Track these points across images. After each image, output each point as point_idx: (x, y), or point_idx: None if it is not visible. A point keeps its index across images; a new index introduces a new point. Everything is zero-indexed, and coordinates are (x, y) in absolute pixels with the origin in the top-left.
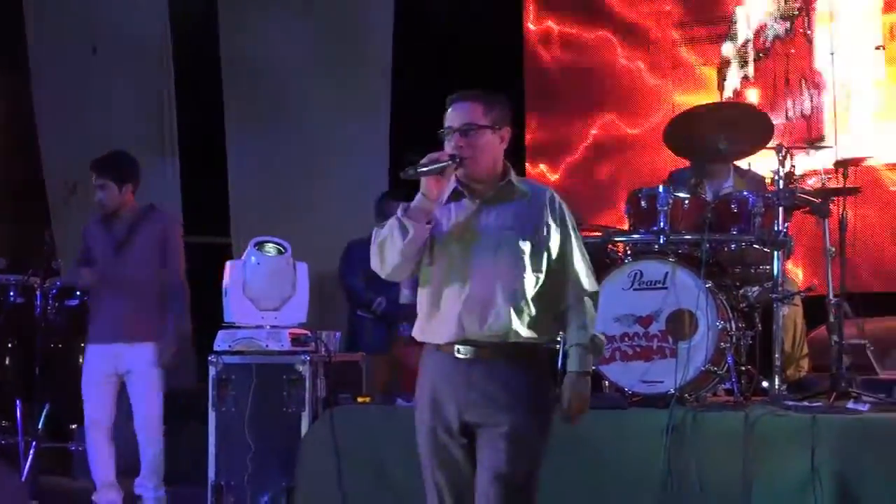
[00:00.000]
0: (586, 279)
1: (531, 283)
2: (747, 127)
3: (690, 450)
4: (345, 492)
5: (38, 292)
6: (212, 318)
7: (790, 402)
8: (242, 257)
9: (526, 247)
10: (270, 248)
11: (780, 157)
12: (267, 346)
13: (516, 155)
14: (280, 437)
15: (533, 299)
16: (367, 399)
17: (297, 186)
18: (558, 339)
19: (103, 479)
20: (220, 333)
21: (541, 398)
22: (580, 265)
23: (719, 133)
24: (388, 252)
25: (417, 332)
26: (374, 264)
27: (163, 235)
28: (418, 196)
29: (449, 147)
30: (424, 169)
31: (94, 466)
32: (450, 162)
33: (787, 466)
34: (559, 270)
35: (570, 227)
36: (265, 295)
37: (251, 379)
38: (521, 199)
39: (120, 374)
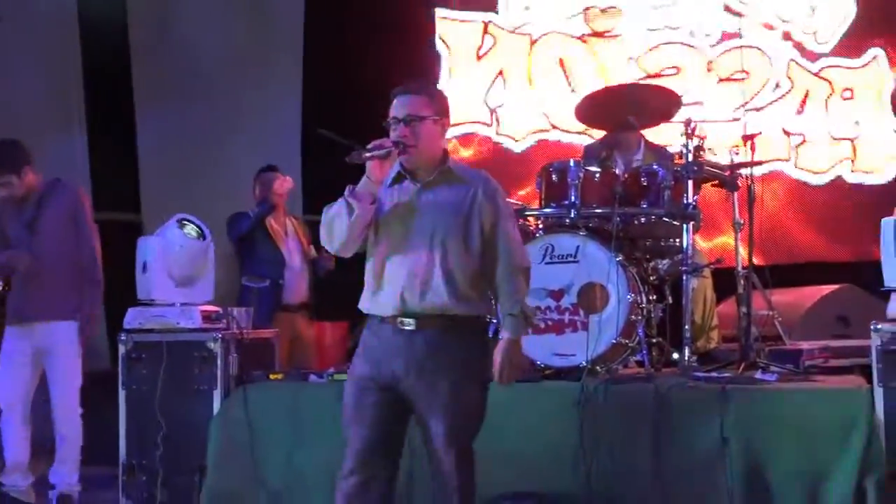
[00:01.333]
0: (518, 255)
1: (466, 258)
2: (656, 103)
3: (602, 422)
4: (259, 469)
5: None
6: (122, 297)
7: (700, 374)
8: (157, 233)
9: (461, 225)
10: (192, 231)
11: (689, 131)
12: (178, 323)
13: None
14: (192, 416)
15: (468, 274)
16: (279, 376)
17: (207, 163)
18: (491, 311)
19: (13, 461)
20: (130, 311)
21: (477, 365)
22: (512, 243)
23: (629, 108)
24: (335, 229)
25: (364, 305)
26: (324, 239)
27: (72, 208)
28: (363, 179)
29: (393, 136)
30: (369, 154)
31: (7, 448)
32: (393, 148)
33: (697, 437)
34: (493, 247)
35: (502, 207)
36: (184, 274)
37: (162, 357)
38: (458, 183)
39: (39, 355)
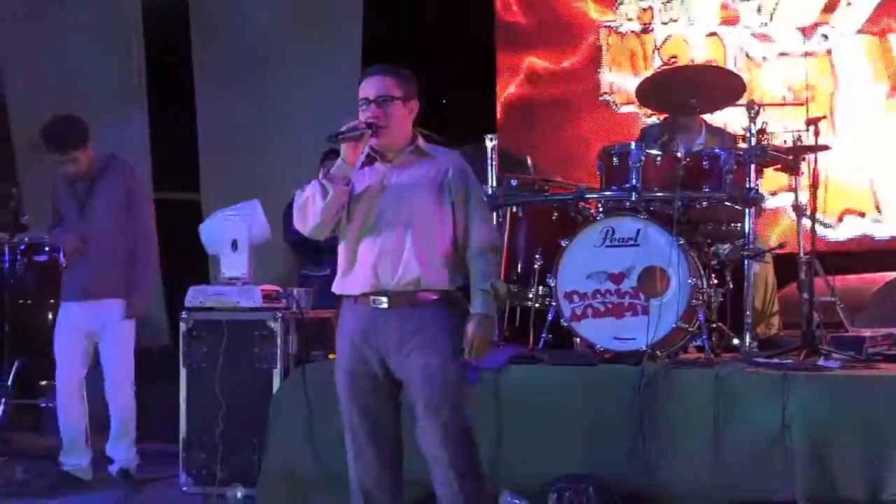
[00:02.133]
0: (487, 233)
1: (437, 236)
2: (719, 86)
3: (661, 407)
4: (316, 448)
5: (6, 248)
6: (182, 275)
7: (760, 360)
8: (240, 213)
9: (431, 203)
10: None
11: (752, 115)
12: (238, 302)
13: (488, 112)
14: (251, 394)
15: (440, 251)
16: None
17: (266, 142)
18: (463, 286)
19: (71, 439)
20: (191, 290)
21: (452, 341)
22: (482, 220)
23: (691, 90)
24: (309, 212)
25: (336, 287)
26: (297, 223)
27: (127, 185)
28: (338, 161)
29: (364, 116)
30: (344, 135)
31: (63, 426)
32: (367, 129)
33: (757, 423)
34: (463, 225)
35: (472, 185)
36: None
37: (222, 335)
38: (428, 162)
39: (91, 332)
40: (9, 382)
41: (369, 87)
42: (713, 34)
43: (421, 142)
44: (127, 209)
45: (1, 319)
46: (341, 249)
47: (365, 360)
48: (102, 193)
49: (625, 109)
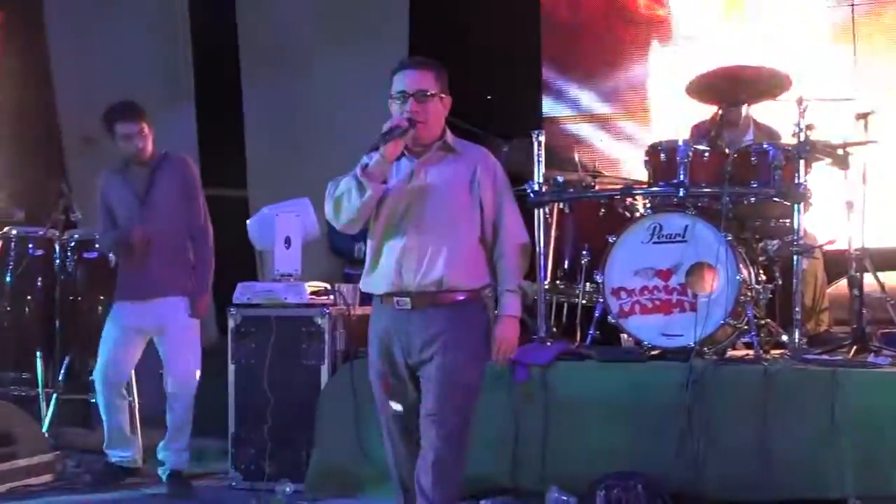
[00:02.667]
0: (517, 231)
1: (465, 234)
2: (767, 82)
3: (710, 403)
4: (363, 444)
5: (56, 245)
6: (229, 271)
7: (810, 356)
8: (293, 210)
9: (459, 200)
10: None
11: (801, 110)
12: (286, 298)
13: (534, 108)
14: (299, 390)
15: (466, 250)
16: None
17: (313, 137)
18: (490, 286)
19: (117, 433)
20: (239, 286)
21: (476, 344)
22: (512, 217)
23: (740, 87)
24: (344, 208)
25: (362, 285)
26: (329, 216)
27: (184, 181)
28: (376, 157)
29: (404, 112)
30: (392, 135)
31: (107, 422)
32: (410, 127)
33: (806, 420)
34: (492, 222)
35: (501, 182)
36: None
37: (270, 332)
38: (456, 158)
39: (148, 332)
40: (59, 378)
41: (407, 81)
42: None
43: (449, 137)
44: (185, 205)
45: (52, 315)
46: (369, 246)
47: (392, 361)
48: (162, 186)
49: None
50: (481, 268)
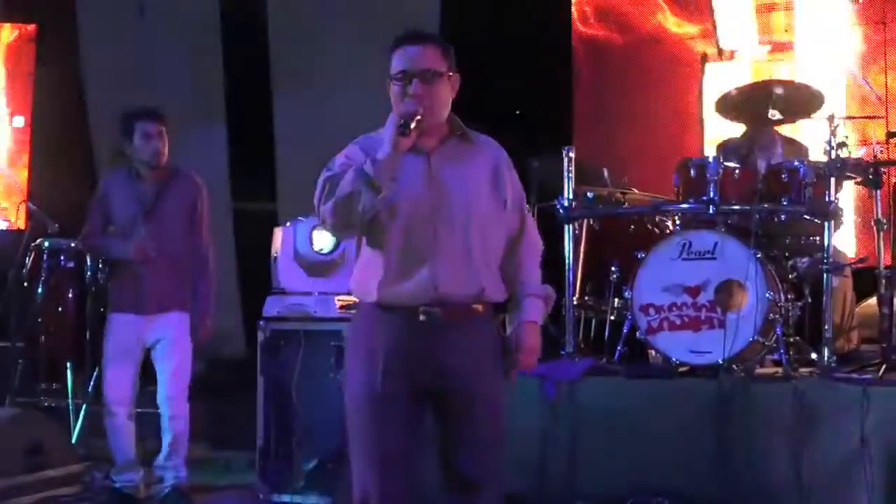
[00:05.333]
0: (537, 235)
1: (494, 238)
2: (797, 98)
3: (738, 420)
4: None
5: (87, 257)
6: (259, 285)
7: (839, 374)
8: (291, 224)
9: (486, 199)
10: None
11: (832, 128)
12: (315, 312)
13: (564, 123)
14: (327, 403)
15: (495, 256)
16: None
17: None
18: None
19: (124, 459)
20: (269, 300)
21: (499, 361)
22: (531, 219)
23: (770, 104)
24: (351, 211)
25: (365, 294)
26: (326, 216)
27: (193, 199)
28: (387, 152)
29: (408, 94)
30: (412, 123)
31: (116, 446)
32: (421, 114)
33: (836, 438)
34: (514, 224)
35: (517, 179)
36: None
37: (299, 345)
38: (474, 150)
39: (145, 346)
40: (89, 389)
41: (409, 59)
42: None
43: (458, 122)
44: (188, 223)
45: (82, 327)
46: (368, 251)
47: (399, 379)
48: (170, 200)
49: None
50: (499, 273)
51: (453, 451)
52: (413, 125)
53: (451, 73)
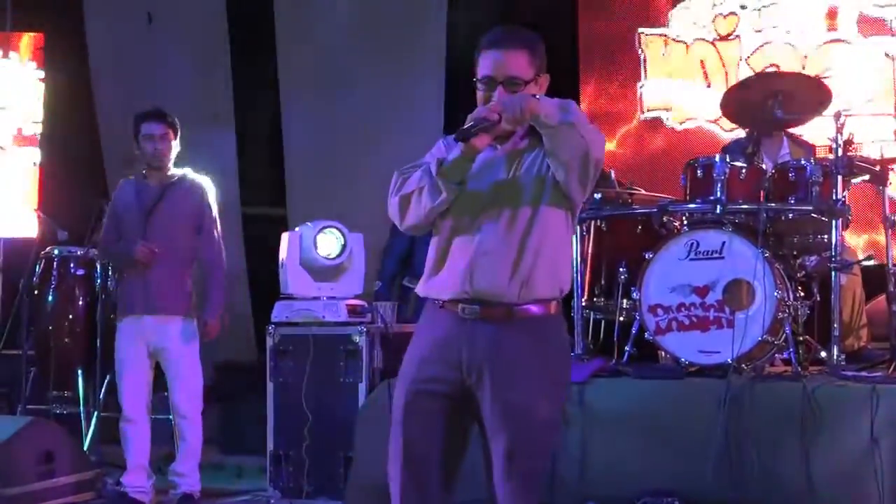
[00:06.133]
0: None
1: (557, 236)
2: (804, 94)
3: (748, 420)
4: None
5: (97, 264)
6: (269, 290)
7: (849, 373)
8: (298, 230)
9: (549, 193)
10: (329, 247)
11: (839, 125)
12: (324, 317)
13: None
14: (338, 408)
15: (555, 254)
16: None
17: (352, 157)
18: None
19: (135, 463)
20: (278, 305)
21: (557, 370)
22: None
23: (775, 101)
24: (412, 209)
25: (421, 287)
26: (393, 213)
27: (197, 204)
28: (456, 154)
29: (493, 103)
30: (475, 128)
31: (129, 451)
32: (499, 121)
33: (845, 437)
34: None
35: None
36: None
37: (309, 350)
38: (538, 146)
39: (155, 353)
40: (100, 396)
41: (495, 64)
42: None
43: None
44: (195, 227)
45: (93, 334)
46: (432, 245)
47: (441, 375)
48: (171, 205)
49: (689, 125)
50: (553, 275)
51: (488, 469)
52: (482, 130)
53: (538, 77)
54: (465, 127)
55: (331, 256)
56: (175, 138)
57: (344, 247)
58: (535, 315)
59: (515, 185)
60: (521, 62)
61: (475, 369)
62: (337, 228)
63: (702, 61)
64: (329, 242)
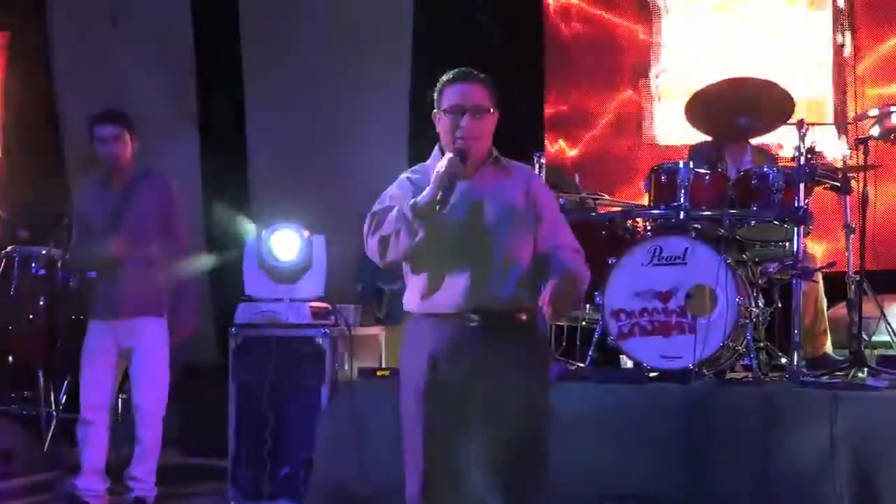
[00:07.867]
0: (574, 241)
1: (525, 252)
2: (768, 103)
3: (709, 425)
4: (364, 465)
5: (59, 264)
6: (232, 292)
7: (809, 379)
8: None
9: (519, 216)
10: (282, 250)
11: (802, 133)
12: (287, 319)
13: (535, 129)
14: (299, 411)
15: (526, 267)
16: (386, 372)
17: (317, 157)
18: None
19: (91, 466)
20: (240, 307)
21: (545, 365)
22: (568, 230)
23: (739, 110)
24: (391, 249)
25: (415, 305)
26: (372, 252)
27: (163, 202)
28: (428, 200)
29: (460, 126)
30: (451, 182)
31: (86, 453)
32: (462, 163)
33: (805, 442)
34: (549, 238)
35: (553, 198)
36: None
37: (271, 352)
38: (506, 175)
39: (122, 351)
40: (61, 398)
41: (461, 95)
42: None
43: (495, 153)
44: (161, 225)
45: (54, 335)
46: (421, 268)
47: (449, 382)
48: (137, 205)
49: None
50: (537, 283)
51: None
52: (452, 182)
53: (495, 109)
54: (441, 179)
55: (287, 258)
56: (132, 138)
57: (301, 248)
58: (525, 321)
59: (491, 208)
60: (483, 94)
61: (478, 371)
62: (294, 229)
63: None
64: (285, 244)
